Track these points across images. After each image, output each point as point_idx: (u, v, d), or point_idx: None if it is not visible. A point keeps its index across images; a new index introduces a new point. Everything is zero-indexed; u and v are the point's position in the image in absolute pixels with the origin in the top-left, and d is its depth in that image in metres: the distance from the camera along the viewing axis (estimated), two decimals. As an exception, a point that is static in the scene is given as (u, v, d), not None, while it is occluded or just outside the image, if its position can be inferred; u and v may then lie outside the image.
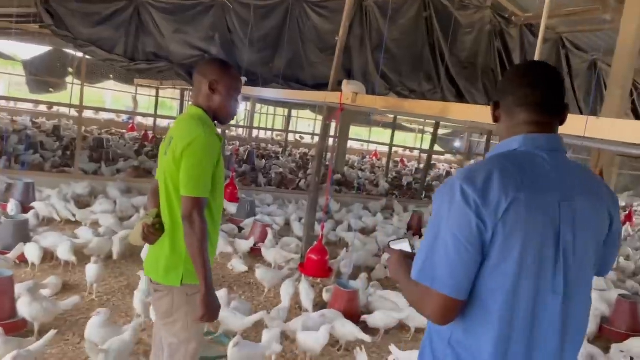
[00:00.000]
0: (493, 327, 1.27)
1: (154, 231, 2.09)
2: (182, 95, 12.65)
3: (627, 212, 11.40)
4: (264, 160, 13.35)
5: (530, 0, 9.22)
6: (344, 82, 4.61)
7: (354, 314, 4.20)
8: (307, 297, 4.41)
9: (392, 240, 1.59)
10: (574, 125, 2.43)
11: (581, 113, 10.42)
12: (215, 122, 2.18)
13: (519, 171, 1.28)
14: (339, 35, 5.32)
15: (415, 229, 7.77)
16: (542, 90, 1.36)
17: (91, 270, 4.25)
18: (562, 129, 1.82)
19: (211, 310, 2.03)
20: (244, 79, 7.51)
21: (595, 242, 1.37)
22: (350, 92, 4.46)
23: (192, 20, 8.19)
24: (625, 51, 6.32)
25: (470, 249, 1.23)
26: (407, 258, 1.47)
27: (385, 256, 5.93)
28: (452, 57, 9.15)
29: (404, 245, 1.55)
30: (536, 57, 2.83)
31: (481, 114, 3.22)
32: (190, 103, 2.39)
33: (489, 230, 1.22)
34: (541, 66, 1.42)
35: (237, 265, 5.27)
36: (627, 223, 10.53)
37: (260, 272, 4.74)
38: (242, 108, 17.74)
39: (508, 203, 1.22)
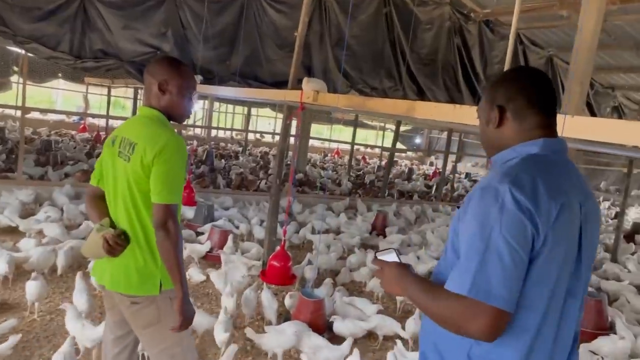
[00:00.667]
0: (525, 339, 1.24)
1: (121, 242, 1.99)
2: (135, 94, 12.14)
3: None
4: (223, 161, 12.97)
5: (488, -3, 9.24)
6: (305, 80, 4.38)
7: (320, 324, 3.99)
8: (270, 307, 4.17)
9: (379, 252, 1.52)
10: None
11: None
12: (171, 121, 2.12)
13: (554, 176, 1.29)
14: (298, 31, 5.09)
15: (379, 229, 7.63)
16: (548, 94, 1.39)
17: (32, 287, 3.87)
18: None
19: (188, 317, 2.01)
20: (199, 77, 7.20)
21: (597, 235, 1.42)
22: (311, 90, 4.24)
23: (142, 16, 7.79)
24: (584, 47, 6.32)
25: (525, 258, 1.19)
26: (406, 268, 1.42)
27: (352, 259, 5.76)
28: (412, 54, 9.10)
29: (392, 257, 1.48)
30: (508, 56, 2.69)
31: (447, 112, 3.06)
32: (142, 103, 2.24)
33: (541, 238, 1.20)
34: (540, 72, 1.45)
35: (195, 274, 4.97)
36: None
37: (214, 276, 4.48)
38: (200, 107, 17.27)
39: (557, 210, 1.22)
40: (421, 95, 9.12)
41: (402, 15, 8.98)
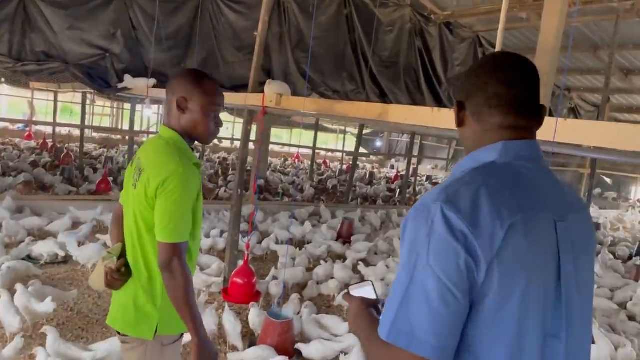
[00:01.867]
0: None
1: (119, 276, 1.83)
2: (84, 100, 11.45)
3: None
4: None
5: (448, -1, 9.18)
6: (267, 82, 4.08)
7: (288, 347, 3.68)
8: (233, 330, 3.82)
9: (353, 285, 1.29)
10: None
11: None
12: (195, 142, 1.92)
13: (508, 189, 1.02)
14: (258, 30, 4.77)
15: (345, 237, 7.38)
16: (519, 88, 1.11)
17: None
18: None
19: None
20: (151, 81, 6.77)
21: (592, 267, 1.15)
22: (273, 93, 3.93)
23: (89, 16, 7.27)
24: (547, 49, 6.29)
25: (458, 295, 0.93)
26: (369, 307, 1.18)
27: (319, 271, 5.47)
28: (374, 56, 8.92)
29: (366, 291, 1.26)
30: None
31: (424, 116, 2.83)
32: (162, 123, 1.94)
33: (482, 269, 0.93)
34: (514, 59, 1.14)
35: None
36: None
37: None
38: (154, 112, 16.63)
39: (505, 231, 0.95)
40: (383, 98, 8.96)
41: (363, 16, 8.80)
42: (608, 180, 19.51)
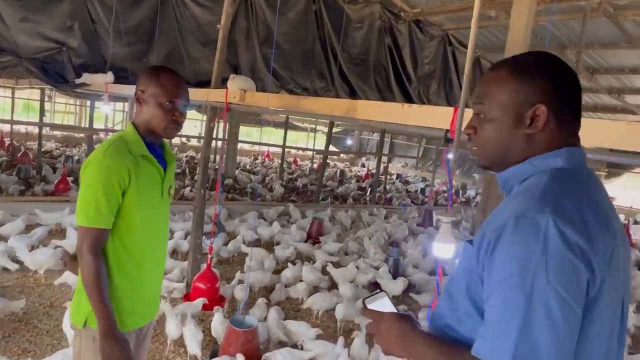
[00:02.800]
0: None
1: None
2: (42, 96, 10.95)
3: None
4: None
5: (418, -4, 9.11)
6: (231, 77, 3.87)
7: (253, 356, 3.48)
8: (192, 338, 3.60)
9: (367, 298, 1.20)
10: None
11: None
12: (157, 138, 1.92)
13: (594, 198, 1.00)
14: (221, 22, 4.54)
15: (315, 237, 7.21)
16: (581, 92, 1.09)
17: None
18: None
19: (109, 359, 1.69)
20: (110, 76, 6.47)
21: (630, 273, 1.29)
22: (237, 89, 3.73)
23: (43, 7, 6.89)
24: (516, 47, 6.26)
25: (579, 313, 0.90)
26: (408, 322, 1.10)
27: (287, 273, 5.28)
28: (343, 53, 8.78)
29: (384, 303, 1.18)
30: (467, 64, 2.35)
31: (394, 112, 2.68)
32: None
33: (596, 284, 0.92)
34: (563, 60, 1.10)
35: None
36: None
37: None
38: (119, 109, 16.14)
39: (612, 245, 0.95)
40: (353, 96, 8.83)
41: (332, 13, 8.65)
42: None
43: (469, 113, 2.19)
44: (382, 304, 1.19)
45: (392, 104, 2.72)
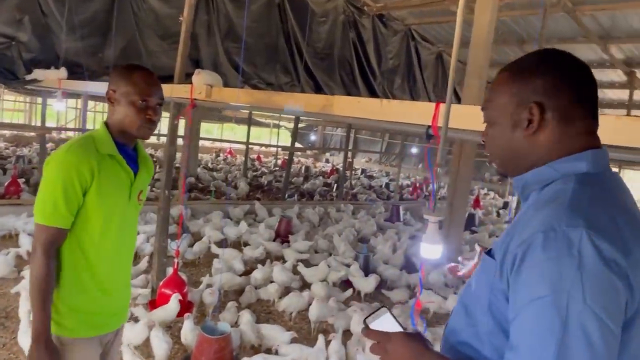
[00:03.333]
0: None
1: None
2: (-10, 93, 10.38)
3: (474, 197, 12.04)
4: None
5: (381, -10, 9.06)
6: (196, 72, 3.68)
7: (227, 364, 3.33)
8: (159, 347, 3.42)
9: (368, 317, 1.09)
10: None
11: (439, 101, 10.71)
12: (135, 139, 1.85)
13: (624, 206, 0.93)
14: (184, 15, 4.33)
15: (283, 236, 7.07)
16: (595, 88, 1.01)
17: None
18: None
19: None
20: (63, 71, 6.13)
21: None
22: (203, 84, 3.54)
23: (-9, 0, 6.47)
24: (480, 42, 6.31)
25: (618, 336, 0.82)
26: (420, 342, 1.01)
27: (257, 274, 5.13)
28: (308, 48, 8.65)
29: (387, 321, 1.08)
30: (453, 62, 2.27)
31: (372, 109, 2.58)
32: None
33: (636, 302, 0.84)
34: (575, 56, 1.02)
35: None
36: (477, 208, 11.07)
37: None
38: (71, 106, 15.49)
39: None
40: (318, 91, 8.72)
41: (296, 6, 8.50)
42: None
43: (456, 109, 2.11)
44: (385, 322, 1.09)
45: (370, 99, 2.62)
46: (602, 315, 0.79)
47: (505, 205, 13.36)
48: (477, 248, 1.43)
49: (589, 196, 0.90)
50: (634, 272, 0.83)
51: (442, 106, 2.21)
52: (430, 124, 2.30)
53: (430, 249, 1.96)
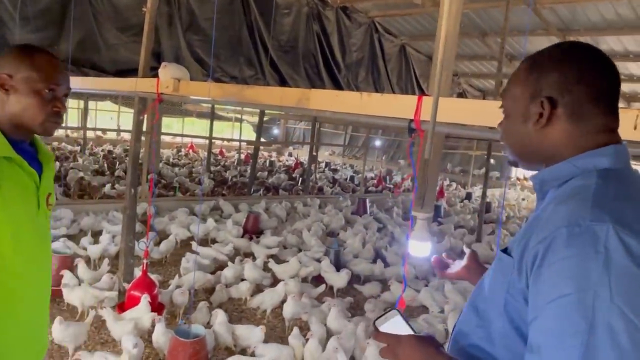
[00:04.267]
0: None
1: None
2: None
3: (438, 189, 12.20)
4: (57, 163, 11.11)
5: (344, -18, 9.01)
6: (162, 65, 3.53)
7: (202, 367, 3.23)
8: (129, 354, 3.28)
9: (378, 319, 1.06)
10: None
11: (422, 94, 10.78)
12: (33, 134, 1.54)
13: None
14: (147, 6, 4.15)
15: (251, 232, 6.96)
16: (617, 83, 0.97)
17: None
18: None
19: None
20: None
21: None
22: (170, 78, 3.40)
23: None
24: (448, 34, 6.33)
25: None
26: (432, 345, 0.98)
27: (227, 273, 5.02)
28: (272, 41, 8.52)
29: (397, 324, 1.05)
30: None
31: (351, 102, 2.53)
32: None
33: None
34: (599, 50, 0.98)
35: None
36: (441, 199, 11.23)
37: (56, 328, 3.40)
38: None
39: None
40: (283, 84, 8.62)
41: (258, -2, 8.34)
42: (492, 160, 20.96)
43: (444, 102, 2.08)
44: (395, 325, 1.06)
45: (349, 92, 2.56)
46: (630, 315, 0.76)
47: (469, 196, 13.61)
48: (466, 250, 1.40)
49: (614, 191, 0.87)
50: None
51: (425, 99, 2.17)
52: (412, 117, 2.26)
53: (419, 247, 1.93)
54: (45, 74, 1.45)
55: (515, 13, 8.24)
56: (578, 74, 0.94)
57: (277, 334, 4.27)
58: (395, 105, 2.37)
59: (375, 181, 14.53)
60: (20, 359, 1.51)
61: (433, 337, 1.02)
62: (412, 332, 1.03)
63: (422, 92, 10.43)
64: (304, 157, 18.08)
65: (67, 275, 4.25)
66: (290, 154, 21.91)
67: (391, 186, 14.43)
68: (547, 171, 0.99)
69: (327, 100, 2.64)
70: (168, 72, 3.53)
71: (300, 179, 12.97)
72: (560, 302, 0.79)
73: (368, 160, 18.45)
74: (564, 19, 8.42)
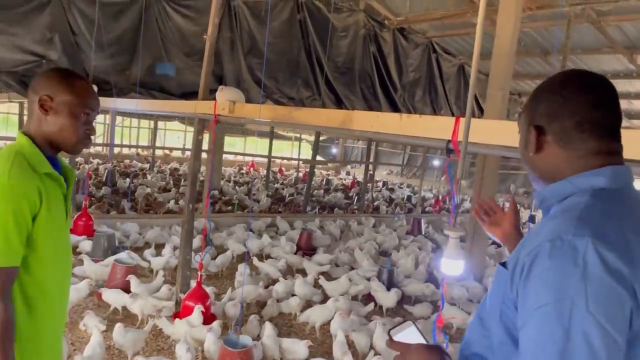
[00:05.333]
0: None
1: None
2: (21, 110, 10.72)
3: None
4: (128, 180, 11.81)
5: (401, 4, 9.12)
6: (219, 89, 3.77)
7: (249, 377, 3.36)
8: (184, 357, 3.46)
9: (393, 329, 1.14)
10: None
11: (453, 115, 10.68)
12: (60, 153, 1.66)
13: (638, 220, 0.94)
14: (208, 33, 4.44)
15: (304, 249, 7.10)
16: (612, 111, 1.02)
17: None
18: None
19: None
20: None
21: None
22: (226, 100, 3.62)
23: (22, 19, 6.72)
24: (503, 54, 6.29)
25: (622, 345, 0.82)
26: (438, 354, 1.05)
27: (279, 288, 5.15)
28: (329, 62, 8.74)
29: (411, 334, 1.12)
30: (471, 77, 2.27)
31: (391, 123, 2.61)
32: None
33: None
34: (599, 79, 1.03)
35: (93, 324, 4.11)
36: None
37: (117, 334, 3.65)
38: (99, 121, 15.88)
39: None
40: (339, 105, 8.80)
41: (317, 21, 8.62)
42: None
43: (477, 123, 2.13)
44: (409, 334, 1.13)
45: (389, 114, 2.65)
46: (605, 324, 0.80)
47: (532, 218, 13.11)
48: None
49: (600, 209, 0.92)
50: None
51: (462, 120, 2.22)
52: (450, 138, 2.31)
53: (451, 265, 1.96)
54: (83, 99, 1.59)
55: (577, 31, 8.04)
56: (562, 103, 1.01)
57: (324, 349, 4.34)
58: (434, 126, 2.43)
59: (433, 201, 14.34)
60: (53, 340, 1.68)
61: (440, 347, 1.09)
62: (423, 342, 1.10)
63: (481, 111, 10.28)
64: (361, 176, 18.15)
65: (133, 281, 4.55)
66: (348, 173, 22.04)
67: (449, 207, 14.16)
68: (547, 189, 1.05)
69: (368, 121, 2.73)
70: (224, 95, 3.76)
71: (356, 197, 13.03)
72: (541, 310, 0.84)
73: (428, 180, 18.24)
74: (630, 37, 8.09)
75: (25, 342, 1.53)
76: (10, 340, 1.46)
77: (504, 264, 1.03)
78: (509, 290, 0.96)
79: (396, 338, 1.13)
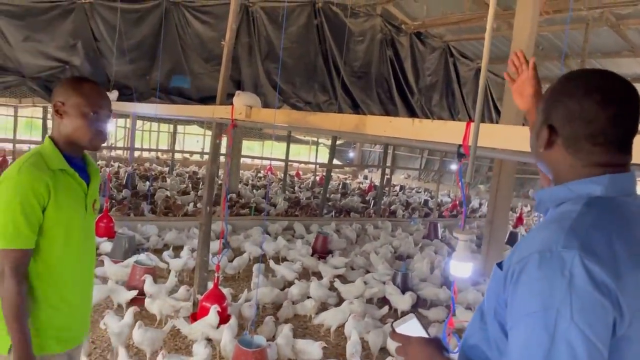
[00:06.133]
0: None
1: None
2: (45, 114, 10.99)
3: (517, 215, 11.79)
4: (147, 183, 12.01)
5: (418, 9, 9.14)
6: (236, 94, 3.85)
7: (264, 377, 3.42)
8: (202, 354, 3.54)
9: (396, 321, 1.22)
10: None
11: (470, 119, 10.63)
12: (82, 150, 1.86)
13: (633, 230, 0.95)
14: (226, 39, 4.54)
15: (320, 252, 7.15)
16: (630, 125, 0.99)
17: None
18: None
19: None
20: (114, 93, 6.45)
21: None
22: (243, 105, 3.70)
23: (47, 26, 6.94)
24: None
25: (605, 354, 0.86)
26: (436, 346, 1.11)
27: (294, 290, 5.21)
28: (345, 67, 8.80)
29: (413, 327, 1.19)
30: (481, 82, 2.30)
31: (404, 128, 2.65)
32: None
33: (625, 322, 0.88)
34: (623, 86, 0.99)
35: (113, 323, 4.21)
36: (520, 226, 10.83)
37: (137, 333, 3.75)
38: (120, 125, 16.17)
39: None
40: (356, 109, 8.84)
41: (334, 26, 8.69)
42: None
43: (484, 127, 2.16)
44: (411, 327, 1.20)
45: (402, 119, 2.68)
46: (588, 333, 0.84)
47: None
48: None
49: (592, 219, 0.94)
50: (625, 296, 0.87)
51: (473, 125, 2.25)
52: (461, 143, 2.35)
53: (460, 267, 2.00)
54: (90, 99, 1.76)
55: (596, 34, 7.96)
56: (579, 111, 0.98)
57: (338, 351, 4.38)
58: (445, 131, 2.47)
59: (450, 206, 14.27)
60: (75, 342, 1.87)
61: (439, 340, 1.15)
62: (424, 335, 1.16)
63: (499, 115, 10.23)
64: (378, 180, 18.14)
65: (148, 280, 4.65)
66: (365, 177, 22.04)
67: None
68: (545, 192, 1.07)
69: (381, 125, 2.78)
70: (241, 99, 3.84)
71: (373, 201, 13.04)
72: (529, 318, 0.89)
73: (446, 184, 18.16)
74: (651, 39, 8.00)
75: (43, 318, 1.71)
76: (25, 317, 1.62)
77: (500, 265, 1.06)
78: (502, 292, 1.00)
79: (399, 330, 1.19)
